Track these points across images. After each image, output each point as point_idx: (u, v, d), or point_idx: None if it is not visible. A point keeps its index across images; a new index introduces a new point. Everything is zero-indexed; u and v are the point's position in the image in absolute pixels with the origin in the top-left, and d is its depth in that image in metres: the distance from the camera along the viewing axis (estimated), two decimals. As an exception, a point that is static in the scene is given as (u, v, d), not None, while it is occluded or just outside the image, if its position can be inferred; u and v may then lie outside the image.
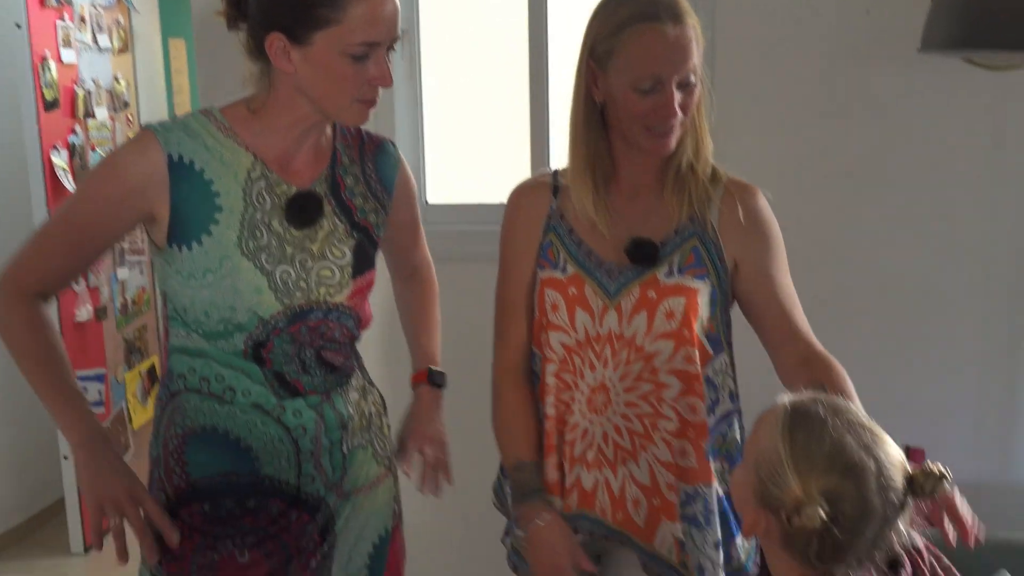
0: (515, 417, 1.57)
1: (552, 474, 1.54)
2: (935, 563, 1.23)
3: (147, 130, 1.42)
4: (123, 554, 1.38)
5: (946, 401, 2.37)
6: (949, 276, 2.34)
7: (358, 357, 1.60)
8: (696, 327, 1.48)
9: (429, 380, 1.68)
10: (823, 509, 1.08)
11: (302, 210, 1.45)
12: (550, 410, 1.54)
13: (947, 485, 1.13)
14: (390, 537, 1.62)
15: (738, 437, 1.57)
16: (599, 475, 1.53)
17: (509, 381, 1.59)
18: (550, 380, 1.53)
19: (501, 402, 1.60)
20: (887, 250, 2.34)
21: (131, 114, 3.87)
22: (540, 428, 1.56)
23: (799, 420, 1.14)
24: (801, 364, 1.45)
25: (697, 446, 1.49)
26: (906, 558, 1.18)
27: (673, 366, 1.48)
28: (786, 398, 1.19)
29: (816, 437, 1.12)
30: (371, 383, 1.64)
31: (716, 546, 1.50)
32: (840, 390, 1.35)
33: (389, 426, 1.66)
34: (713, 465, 1.51)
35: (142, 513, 1.38)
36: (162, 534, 1.40)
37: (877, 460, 1.11)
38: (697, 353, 1.48)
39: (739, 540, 1.54)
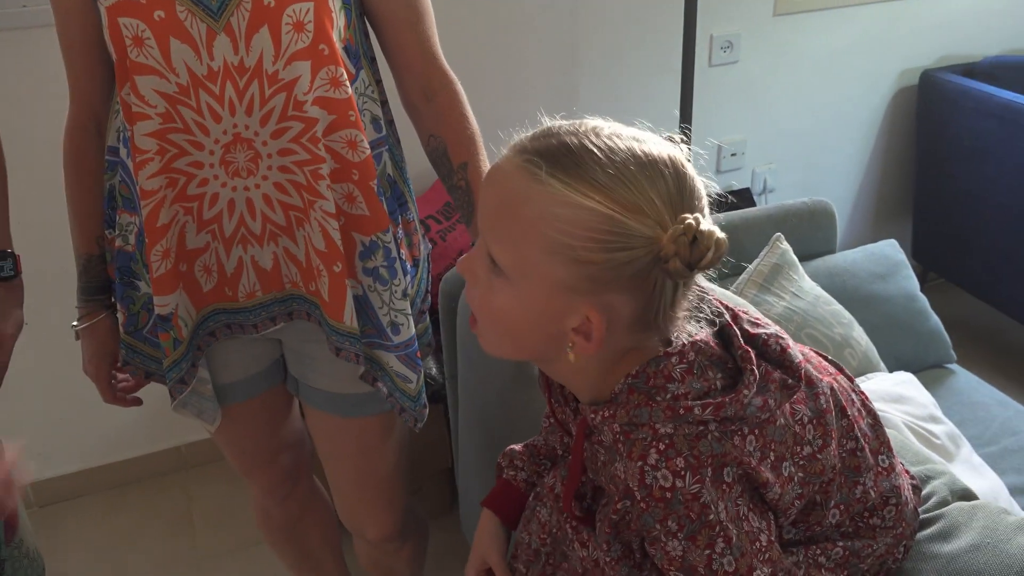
0: (76, 199, 1.28)
1: (160, 265, 1.19)
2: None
3: None
4: None
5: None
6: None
7: None
8: (335, 39, 1.15)
9: None
10: (687, 217, 0.80)
11: None
12: (149, 184, 1.15)
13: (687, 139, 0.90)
14: None
15: (389, 172, 1.29)
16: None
17: (73, 146, 1.25)
18: (146, 144, 1.14)
19: (65, 178, 1.27)
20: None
21: None
22: (101, 208, 1.28)
23: (568, 162, 0.81)
24: (424, 100, 1.26)
25: (365, 188, 1.20)
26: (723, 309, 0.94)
27: (318, 94, 1.15)
28: (513, 158, 0.84)
29: (609, 160, 0.81)
30: None
31: (403, 295, 1.28)
32: (457, 116, 1.24)
33: None
34: (387, 207, 1.25)
35: None
36: None
37: (650, 140, 0.85)
38: (344, 73, 1.16)
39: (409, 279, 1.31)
